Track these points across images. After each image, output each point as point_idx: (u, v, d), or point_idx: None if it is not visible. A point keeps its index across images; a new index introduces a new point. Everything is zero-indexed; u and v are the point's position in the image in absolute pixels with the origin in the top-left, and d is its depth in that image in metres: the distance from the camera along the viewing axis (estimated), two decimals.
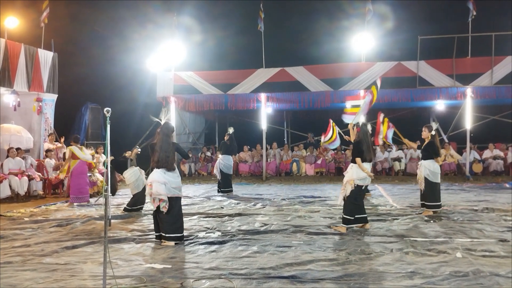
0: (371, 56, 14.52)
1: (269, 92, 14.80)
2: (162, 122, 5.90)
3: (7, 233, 6.35)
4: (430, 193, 7.65)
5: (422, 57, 13.77)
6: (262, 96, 14.80)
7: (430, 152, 7.65)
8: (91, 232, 6.45)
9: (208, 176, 15.44)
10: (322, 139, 9.59)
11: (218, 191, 11.13)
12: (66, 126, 15.17)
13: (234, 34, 17.85)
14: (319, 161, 15.35)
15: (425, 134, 7.77)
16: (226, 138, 11.33)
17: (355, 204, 6.39)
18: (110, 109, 4.33)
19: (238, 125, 16.45)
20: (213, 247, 5.46)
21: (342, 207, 6.53)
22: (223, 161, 11.11)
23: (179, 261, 4.90)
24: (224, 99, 15.21)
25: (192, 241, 5.81)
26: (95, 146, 12.62)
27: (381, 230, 6.32)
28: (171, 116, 14.54)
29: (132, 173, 8.34)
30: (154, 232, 5.93)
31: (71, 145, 9.52)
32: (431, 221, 6.97)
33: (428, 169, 7.62)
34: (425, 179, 7.64)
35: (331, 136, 9.23)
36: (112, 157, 8.57)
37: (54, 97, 13.08)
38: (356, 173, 6.37)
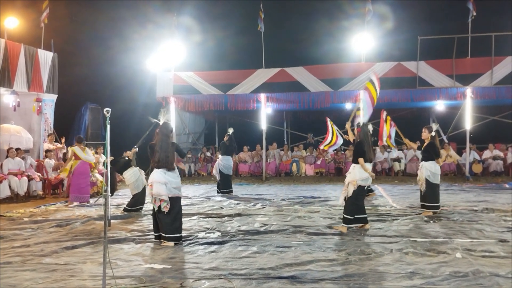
0: (371, 57, 14.53)
1: (269, 92, 14.80)
2: (161, 123, 5.90)
3: (7, 233, 6.34)
4: (430, 194, 7.65)
5: (422, 58, 13.77)
6: (262, 96, 14.80)
7: (430, 153, 7.64)
8: (90, 233, 6.45)
9: (207, 177, 15.43)
10: (322, 145, 9.58)
11: (218, 192, 11.11)
12: (66, 127, 15.17)
13: (234, 34, 17.87)
14: (318, 162, 15.35)
15: (425, 135, 7.76)
16: (225, 138, 11.31)
17: (356, 204, 6.40)
18: (110, 109, 4.34)
19: (238, 126, 16.44)
20: (213, 248, 5.46)
21: (343, 208, 6.54)
22: (222, 162, 11.09)
23: (178, 261, 4.90)
24: (224, 100, 15.21)
25: (191, 241, 5.81)
26: (95, 146, 12.63)
27: (381, 231, 6.32)
28: (170, 117, 14.53)
29: (132, 174, 8.35)
30: (153, 233, 5.93)
31: (75, 145, 9.53)
32: (431, 222, 6.97)
33: (429, 170, 7.61)
34: (426, 180, 7.64)
35: (330, 140, 9.22)
36: (112, 157, 8.57)
37: (54, 97, 13.09)
38: (359, 173, 6.38)
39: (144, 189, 8.34)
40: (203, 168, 16.08)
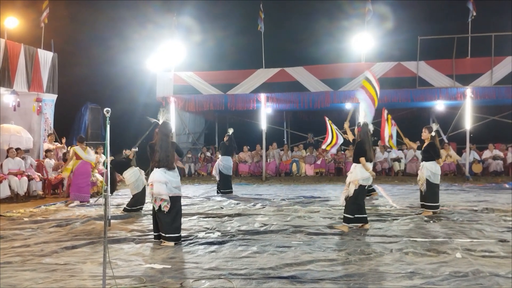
0: (371, 57, 14.53)
1: (269, 92, 14.80)
2: (160, 122, 5.90)
3: (7, 233, 6.34)
4: (430, 194, 7.65)
5: (422, 58, 13.77)
6: (262, 96, 14.80)
7: (431, 153, 7.64)
8: (90, 232, 6.45)
9: (207, 177, 15.42)
10: (324, 145, 9.58)
11: (218, 192, 11.11)
12: (66, 126, 15.19)
13: (234, 34, 17.88)
14: (318, 162, 15.34)
15: (425, 135, 7.76)
16: (225, 139, 11.30)
17: (357, 204, 6.41)
18: (109, 109, 4.34)
19: (238, 126, 16.44)
20: (213, 247, 5.46)
21: (344, 207, 6.54)
22: (222, 162, 11.08)
23: (178, 261, 4.90)
24: (224, 100, 15.21)
25: (191, 241, 5.81)
26: (95, 146, 12.62)
27: (381, 231, 6.33)
28: (170, 117, 14.53)
29: (132, 174, 8.35)
30: (153, 232, 5.93)
31: (76, 145, 9.53)
32: (431, 222, 6.97)
33: (430, 170, 7.61)
34: (427, 180, 7.64)
35: (331, 141, 9.21)
36: (112, 157, 8.58)
37: (54, 97, 13.09)
38: (361, 173, 6.38)
39: (144, 189, 8.34)
40: (203, 168, 16.08)
